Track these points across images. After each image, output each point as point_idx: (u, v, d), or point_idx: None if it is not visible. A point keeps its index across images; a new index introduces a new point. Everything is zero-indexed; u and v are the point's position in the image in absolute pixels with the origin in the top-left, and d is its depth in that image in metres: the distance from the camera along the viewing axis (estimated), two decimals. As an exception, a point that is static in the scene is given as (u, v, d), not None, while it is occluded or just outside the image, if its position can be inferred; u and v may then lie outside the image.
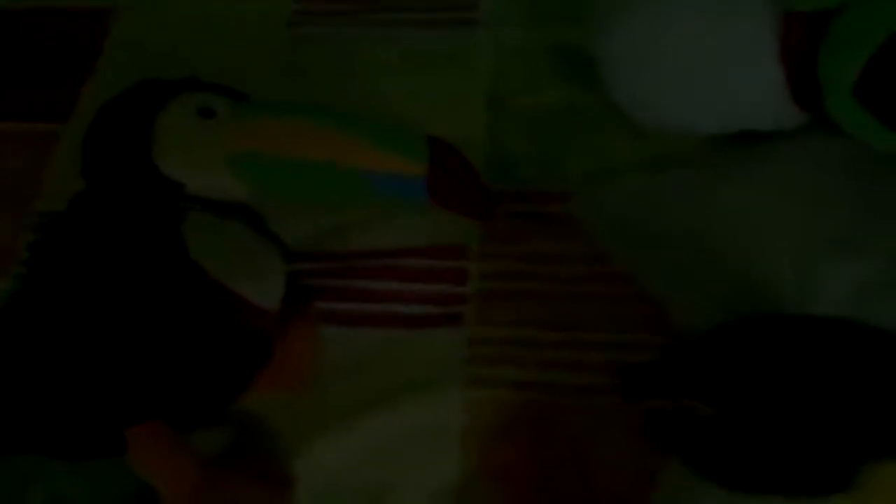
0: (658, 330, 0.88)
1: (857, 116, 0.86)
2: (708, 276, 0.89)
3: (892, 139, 0.85)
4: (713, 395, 0.68)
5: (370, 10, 1.18)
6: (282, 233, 0.87)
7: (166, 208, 0.81)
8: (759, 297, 0.85)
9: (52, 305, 0.80)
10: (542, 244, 0.96)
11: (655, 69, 0.95)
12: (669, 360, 0.73)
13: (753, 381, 0.67)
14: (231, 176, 0.83)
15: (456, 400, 0.87)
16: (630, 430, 0.83)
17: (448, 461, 0.85)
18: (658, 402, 0.72)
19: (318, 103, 0.88)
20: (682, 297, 0.89)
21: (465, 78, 1.10)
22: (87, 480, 0.85)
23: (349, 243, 0.97)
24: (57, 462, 0.84)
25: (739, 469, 0.67)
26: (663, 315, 0.89)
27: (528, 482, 0.84)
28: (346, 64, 1.13)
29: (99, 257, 0.80)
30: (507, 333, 0.91)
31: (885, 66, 0.83)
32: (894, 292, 0.83)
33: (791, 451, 0.66)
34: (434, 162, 0.82)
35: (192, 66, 0.90)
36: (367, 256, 0.96)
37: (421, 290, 0.94)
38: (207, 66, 0.93)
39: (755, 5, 0.90)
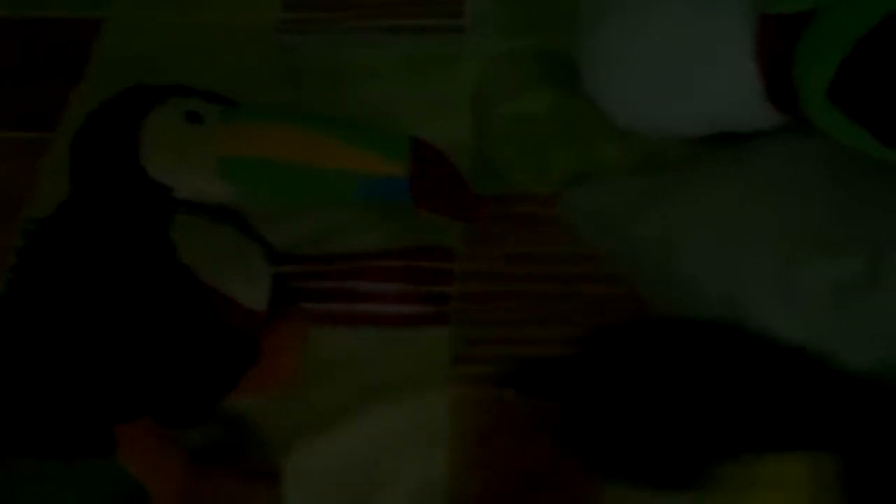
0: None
1: (832, 117, 0.87)
2: (689, 275, 0.90)
3: (865, 139, 0.86)
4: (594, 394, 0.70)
5: (356, 16, 1.19)
6: (268, 235, 0.88)
7: (154, 211, 0.82)
8: (740, 296, 0.86)
9: (41, 308, 0.80)
10: (527, 245, 0.97)
11: (636, 69, 0.96)
12: (558, 362, 0.74)
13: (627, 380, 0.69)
14: (218, 179, 0.84)
15: (442, 398, 0.88)
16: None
17: (435, 459, 0.85)
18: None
19: (302, 108, 0.89)
20: (665, 296, 0.90)
21: (451, 83, 1.11)
22: (78, 482, 0.85)
23: (335, 245, 0.98)
24: (49, 464, 0.85)
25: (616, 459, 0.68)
26: (648, 313, 0.90)
27: (514, 479, 0.85)
28: (333, 70, 1.14)
29: (87, 260, 0.80)
30: (492, 333, 0.92)
31: (858, 68, 0.84)
32: (873, 289, 0.84)
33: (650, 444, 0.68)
34: (416, 163, 0.83)
35: (180, 73, 0.91)
36: (352, 258, 0.97)
37: (406, 291, 0.95)
38: (196, 74, 0.93)
39: (732, 7, 0.92)
